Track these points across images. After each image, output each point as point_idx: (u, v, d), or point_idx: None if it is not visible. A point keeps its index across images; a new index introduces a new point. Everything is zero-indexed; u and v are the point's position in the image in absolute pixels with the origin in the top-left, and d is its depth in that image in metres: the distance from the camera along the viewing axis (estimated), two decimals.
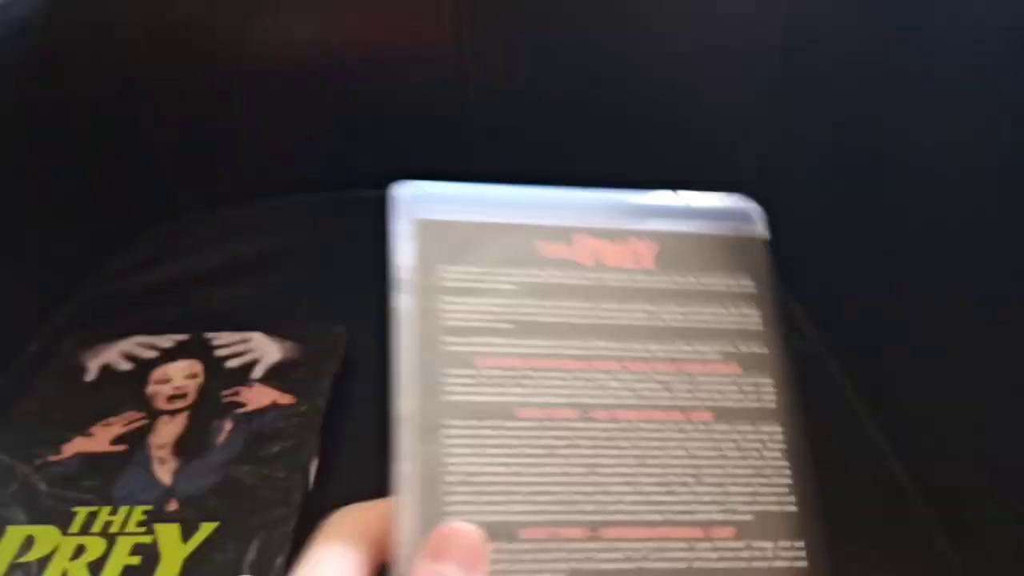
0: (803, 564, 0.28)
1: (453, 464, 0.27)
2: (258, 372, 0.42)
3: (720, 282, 0.32)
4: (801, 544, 0.28)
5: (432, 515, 0.26)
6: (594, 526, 0.27)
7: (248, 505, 0.36)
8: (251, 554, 0.33)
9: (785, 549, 0.28)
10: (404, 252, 0.31)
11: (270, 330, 0.45)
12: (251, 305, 0.46)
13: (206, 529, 0.34)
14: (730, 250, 0.33)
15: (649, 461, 0.28)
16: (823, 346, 0.47)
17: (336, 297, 0.42)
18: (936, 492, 0.39)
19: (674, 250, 0.32)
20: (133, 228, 0.52)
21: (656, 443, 0.29)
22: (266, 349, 0.44)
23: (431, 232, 0.31)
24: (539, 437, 0.28)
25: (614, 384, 0.30)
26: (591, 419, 0.29)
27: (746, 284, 0.32)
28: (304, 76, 0.50)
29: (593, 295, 0.31)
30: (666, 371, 0.30)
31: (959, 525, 0.38)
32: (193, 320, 0.45)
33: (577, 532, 0.27)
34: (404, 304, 0.30)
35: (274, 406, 0.40)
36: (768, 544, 0.28)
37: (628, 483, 0.28)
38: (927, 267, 0.40)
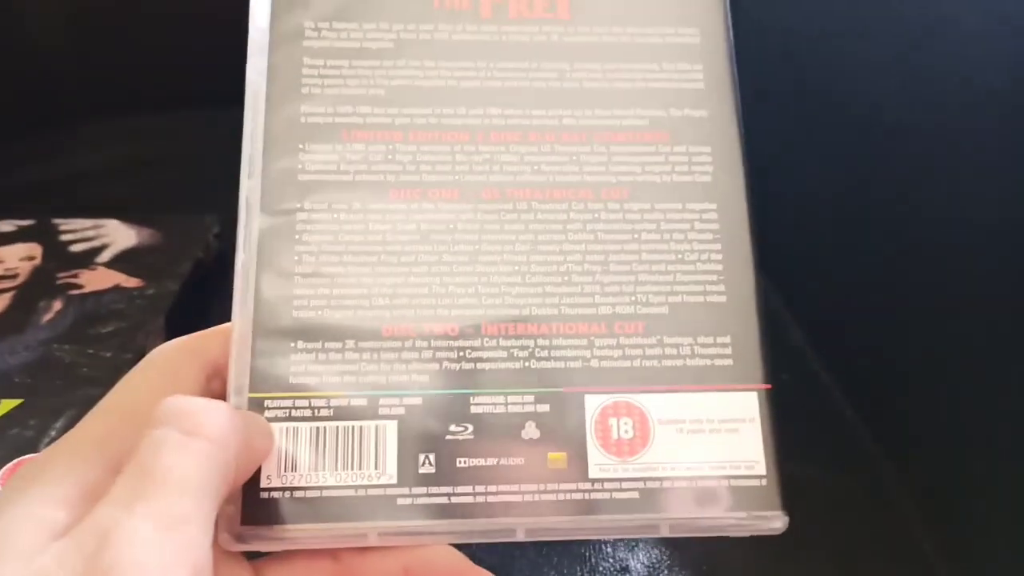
0: (727, 363, 0.23)
1: (304, 252, 0.23)
2: (105, 256, 0.39)
3: (654, 32, 0.26)
4: (727, 339, 0.23)
5: (275, 314, 0.22)
6: (471, 321, 0.23)
7: (61, 383, 0.33)
8: (55, 432, 0.31)
9: (706, 346, 0.23)
10: (259, 7, 0.25)
11: (129, 218, 0.41)
12: (122, 204, 0.42)
13: (5, 406, 0.32)
14: None
15: (544, 247, 0.24)
16: (807, 343, 0.44)
17: (217, 194, 0.37)
18: (922, 490, 0.38)
19: None
20: (18, 127, 0.49)
21: (555, 226, 0.24)
22: (119, 235, 0.40)
23: None
24: (411, 221, 0.24)
25: (508, 158, 0.24)
26: (477, 199, 0.24)
27: (688, 33, 0.26)
28: None
29: (490, 53, 0.25)
30: (575, 142, 0.25)
31: (944, 524, 0.36)
32: (54, 212, 0.41)
33: (448, 328, 0.23)
34: (256, 69, 0.25)
35: (116, 288, 0.37)
36: (684, 340, 0.23)
37: (516, 273, 0.23)
38: (908, 266, 0.38)
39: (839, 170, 0.41)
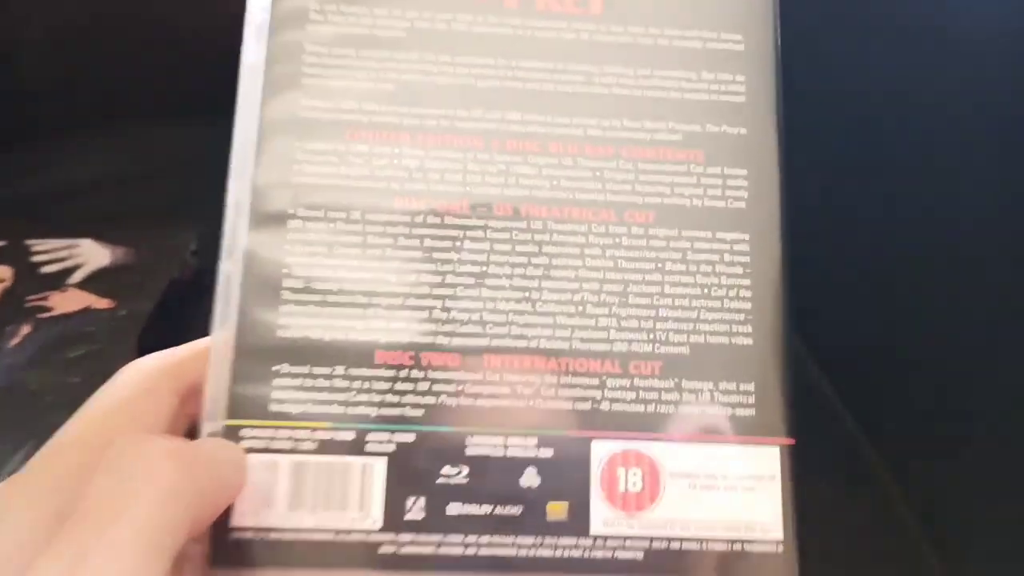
0: (749, 412, 0.21)
1: (295, 264, 0.21)
2: (77, 277, 0.38)
3: (694, 36, 0.23)
4: (750, 387, 0.21)
5: (259, 333, 0.20)
6: (473, 352, 0.21)
7: (25, 412, 0.31)
8: (12, 465, 0.29)
9: (728, 393, 0.21)
10: None
11: (105, 236, 0.39)
12: (100, 220, 0.41)
13: None
14: None
15: (558, 273, 0.22)
16: (804, 347, 0.42)
17: (196, 210, 0.35)
18: (920, 496, 0.37)
19: None
20: None
21: (572, 249, 0.22)
22: (93, 254, 0.39)
23: None
24: (414, 235, 0.21)
25: (525, 170, 0.22)
26: (488, 215, 0.22)
27: (731, 39, 0.23)
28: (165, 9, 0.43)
29: (512, 50, 0.23)
30: (600, 156, 0.22)
31: (944, 532, 0.36)
32: (29, 230, 0.40)
33: (449, 359, 0.21)
34: (253, 54, 0.22)
35: (87, 311, 0.36)
36: (704, 385, 0.21)
37: (526, 300, 0.21)
38: (905, 272, 0.37)
39: (835, 171, 0.39)
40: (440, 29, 0.23)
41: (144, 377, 0.20)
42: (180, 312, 0.36)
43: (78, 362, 0.33)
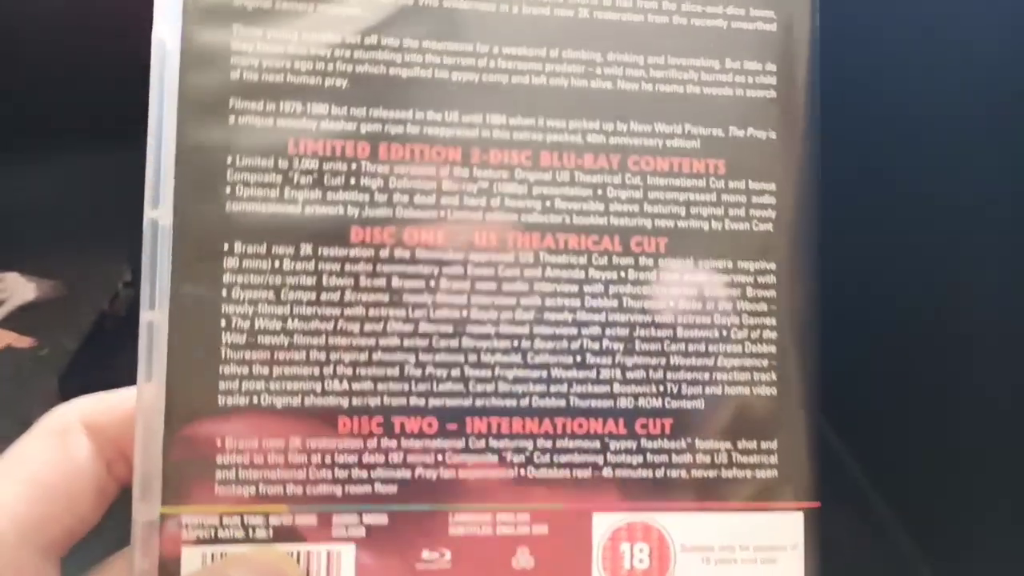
0: (771, 474, 0.19)
1: (234, 314, 0.17)
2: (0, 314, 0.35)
3: (718, 13, 0.19)
4: (772, 445, 0.19)
5: (194, 399, 0.17)
6: (453, 414, 0.18)
7: None
8: None
9: (747, 452, 0.19)
10: None
11: (32, 269, 0.36)
12: (29, 251, 0.37)
13: None
14: None
15: (552, 316, 0.18)
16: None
17: (133, 236, 0.31)
18: (919, 524, 0.35)
19: None
20: None
21: (569, 287, 0.18)
22: (18, 289, 0.36)
23: None
24: (379, 274, 0.18)
25: (512, 189, 0.18)
26: (468, 246, 0.18)
27: (762, 17, 0.19)
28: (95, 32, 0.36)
29: (493, 32, 0.18)
30: (603, 168, 0.19)
31: (943, 558, 0.34)
32: None
33: (425, 424, 0.18)
34: (166, 39, 0.18)
35: (6, 350, 0.33)
36: (721, 445, 0.18)
37: (514, 350, 0.18)
38: (897, 296, 0.35)
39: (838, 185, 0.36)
40: (404, 5, 0.18)
41: (64, 439, 0.17)
42: (110, 350, 0.33)
43: None
